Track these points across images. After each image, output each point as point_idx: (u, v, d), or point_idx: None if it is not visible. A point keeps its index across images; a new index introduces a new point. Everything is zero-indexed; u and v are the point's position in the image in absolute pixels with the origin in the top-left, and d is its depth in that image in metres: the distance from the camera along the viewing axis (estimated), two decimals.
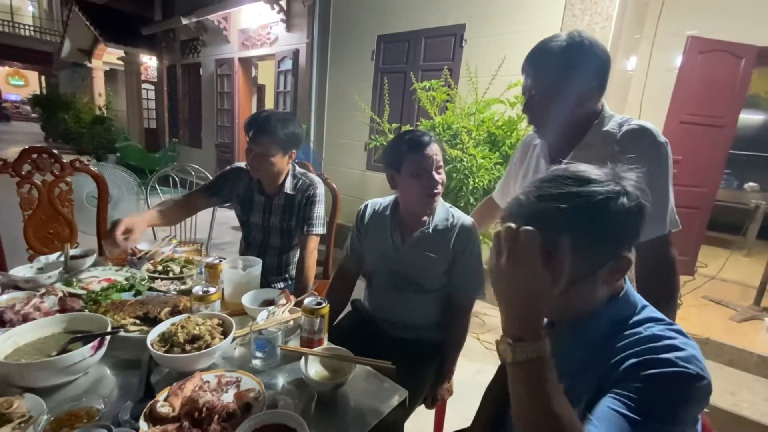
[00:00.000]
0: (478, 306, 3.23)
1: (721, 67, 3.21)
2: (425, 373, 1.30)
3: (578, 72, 0.97)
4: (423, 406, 1.35)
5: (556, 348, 0.69)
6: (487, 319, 3.02)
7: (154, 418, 0.72)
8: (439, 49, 3.50)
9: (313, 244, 1.59)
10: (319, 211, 1.61)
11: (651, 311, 0.65)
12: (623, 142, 0.97)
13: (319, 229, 1.60)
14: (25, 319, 0.97)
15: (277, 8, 4.95)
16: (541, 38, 1.02)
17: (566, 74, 0.97)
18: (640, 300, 0.67)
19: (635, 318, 0.63)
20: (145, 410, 0.73)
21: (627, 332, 0.61)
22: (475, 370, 2.31)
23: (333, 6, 4.38)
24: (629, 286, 0.67)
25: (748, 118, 4.97)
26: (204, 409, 0.72)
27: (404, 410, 1.11)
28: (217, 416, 0.71)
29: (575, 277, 0.59)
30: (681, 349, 0.55)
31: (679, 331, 0.59)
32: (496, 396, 0.95)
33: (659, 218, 0.97)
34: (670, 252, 0.99)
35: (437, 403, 1.36)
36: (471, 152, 2.30)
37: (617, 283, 0.65)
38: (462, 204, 2.34)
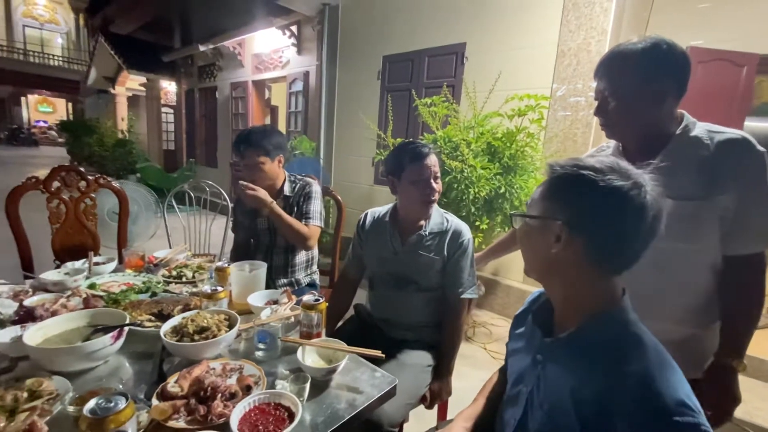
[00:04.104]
0: (486, 316, 3.24)
1: (723, 76, 3.24)
2: (423, 372, 1.36)
3: (655, 74, 0.94)
4: (423, 407, 1.39)
5: (557, 355, 0.73)
6: (494, 329, 3.03)
7: (165, 397, 0.80)
8: (442, 66, 3.62)
9: (314, 231, 1.74)
10: (316, 206, 1.76)
11: (639, 325, 0.68)
12: (720, 153, 0.93)
13: (317, 221, 1.74)
14: (54, 315, 1.08)
15: (288, 33, 5.21)
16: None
17: (643, 76, 0.95)
18: (632, 310, 0.69)
19: (629, 331, 0.66)
20: (157, 390, 0.82)
21: (628, 349, 0.64)
22: (481, 378, 2.31)
23: (341, 30, 4.59)
24: (627, 297, 0.70)
25: (760, 126, 4.93)
26: (209, 388, 0.80)
27: (400, 407, 1.17)
28: (220, 395, 0.79)
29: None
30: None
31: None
32: (490, 396, 1.02)
33: (763, 233, 0.93)
34: (764, 270, 0.96)
35: (436, 402, 1.41)
36: (471, 163, 2.37)
37: (615, 289, 0.69)
38: (464, 213, 2.40)
